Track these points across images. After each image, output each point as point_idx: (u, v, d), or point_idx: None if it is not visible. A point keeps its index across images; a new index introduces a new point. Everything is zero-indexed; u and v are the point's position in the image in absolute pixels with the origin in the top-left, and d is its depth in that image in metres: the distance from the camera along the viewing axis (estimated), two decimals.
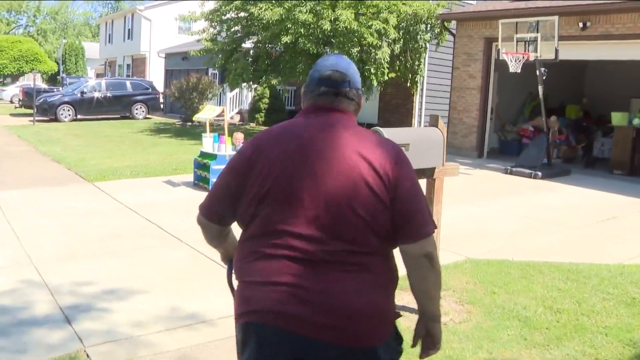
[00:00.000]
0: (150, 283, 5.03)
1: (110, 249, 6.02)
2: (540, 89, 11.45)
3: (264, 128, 20.97)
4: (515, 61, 11.01)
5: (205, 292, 4.84)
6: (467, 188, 9.76)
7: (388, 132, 3.70)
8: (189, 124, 21.83)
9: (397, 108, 19.02)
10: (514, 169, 11.70)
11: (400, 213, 1.87)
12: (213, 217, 2.06)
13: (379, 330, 1.89)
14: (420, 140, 4.08)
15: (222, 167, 8.80)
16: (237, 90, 21.58)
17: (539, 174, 11.29)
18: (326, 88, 2.01)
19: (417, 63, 16.39)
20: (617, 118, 12.61)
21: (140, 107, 24.36)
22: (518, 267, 5.67)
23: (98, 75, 42.73)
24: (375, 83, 15.45)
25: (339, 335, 1.81)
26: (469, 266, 5.65)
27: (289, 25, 14.39)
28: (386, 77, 15.27)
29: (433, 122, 4.19)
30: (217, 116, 10.00)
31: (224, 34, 17.48)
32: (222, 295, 4.80)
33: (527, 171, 11.43)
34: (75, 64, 47.28)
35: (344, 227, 1.84)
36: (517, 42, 11.22)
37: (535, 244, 6.74)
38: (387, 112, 19.15)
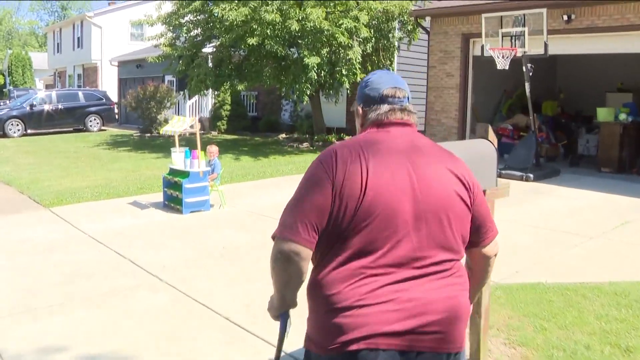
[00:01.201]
0: (136, 343, 4.04)
1: (78, 295, 5.02)
2: (527, 85, 10.90)
3: (227, 136, 20.08)
4: (503, 57, 10.39)
5: (208, 354, 3.91)
6: None
7: None
8: (148, 135, 20.75)
9: None
10: (503, 172, 11.03)
11: (478, 218, 2.00)
12: (309, 240, 1.81)
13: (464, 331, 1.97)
14: (473, 157, 3.22)
15: (196, 185, 7.70)
16: (196, 97, 20.55)
17: (531, 176, 10.70)
18: (392, 105, 2.02)
19: (389, 62, 15.70)
20: (603, 114, 12.13)
21: (95, 119, 23.14)
22: (557, 291, 4.95)
23: (47, 87, 40.87)
24: (347, 85, 14.71)
25: (447, 342, 1.84)
26: (503, 294, 4.89)
27: (255, 26, 13.52)
28: (358, 79, 14.52)
29: (482, 132, 3.40)
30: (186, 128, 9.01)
31: (182, 38, 16.50)
32: (230, 355, 3.90)
33: (518, 173, 10.81)
34: (23, 75, 45.20)
35: (445, 238, 1.88)
36: (502, 37, 10.60)
37: (561, 260, 6.04)
38: None
